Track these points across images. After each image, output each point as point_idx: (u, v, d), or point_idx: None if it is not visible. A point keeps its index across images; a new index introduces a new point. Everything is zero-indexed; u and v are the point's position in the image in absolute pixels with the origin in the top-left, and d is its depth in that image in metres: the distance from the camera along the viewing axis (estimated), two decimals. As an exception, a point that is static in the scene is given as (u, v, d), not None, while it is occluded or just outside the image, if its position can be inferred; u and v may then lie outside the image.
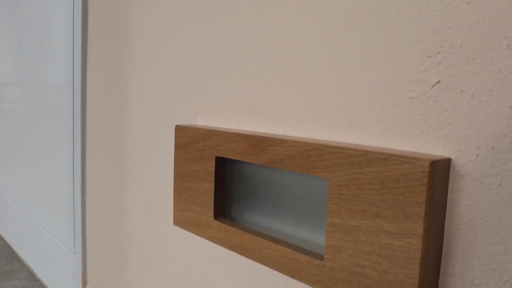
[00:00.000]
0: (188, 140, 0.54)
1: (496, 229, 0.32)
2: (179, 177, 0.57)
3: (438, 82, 0.35)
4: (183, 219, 0.56)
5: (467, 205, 0.33)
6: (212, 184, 0.51)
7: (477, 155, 0.32)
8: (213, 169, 0.51)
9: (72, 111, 0.91)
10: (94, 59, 0.85)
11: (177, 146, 0.56)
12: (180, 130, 0.56)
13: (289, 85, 0.46)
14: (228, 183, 0.53)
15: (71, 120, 0.92)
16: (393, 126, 0.38)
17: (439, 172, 0.33)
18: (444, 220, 0.34)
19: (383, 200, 0.34)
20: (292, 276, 0.43)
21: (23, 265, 1.25)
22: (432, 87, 0.35)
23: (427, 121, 0.35)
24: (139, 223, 0.73)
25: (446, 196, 0.34)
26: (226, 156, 0.49)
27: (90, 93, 0.87)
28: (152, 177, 0.69)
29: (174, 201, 0.58)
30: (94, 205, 0.88)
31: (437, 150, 0.35)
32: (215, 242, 0.52)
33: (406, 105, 0.37)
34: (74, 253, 0.94)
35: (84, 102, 0.87)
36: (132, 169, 0.74)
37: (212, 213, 0.52)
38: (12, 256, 1.31)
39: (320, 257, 0.40)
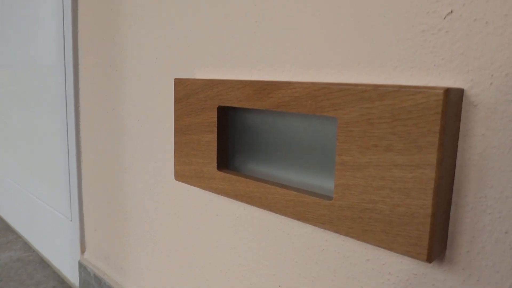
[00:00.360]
0: (188, 92, 0.53)
1: (510, 157, 0.32)
2: (179, 131, 0.55)
3: (451, 12, 0.34)
4: (185, 173, 0.56)
5: (480, 134, 0.33)
6: (215, 135, 0.50)
7: (491, 83, 0.32)
8: (215, 119, 0.50)
9: (64, 76, 0.88)
10: (84, 18, 0.82)
11: (177, 100, 0.55)
12: (179, 83, 0.54)
13: (292, 29, 0.45)
14: (230, 133, 0.52)
15: (63, 85, 0.89)
16: (403, 61, 0.37)
17: (453, 102, 0.32)
18: (457, 151, 0.34)
19: (394, 133, 0.34)
20: (299, 219, 0.42)
21: (18, 237, 1.24)
22: (444, 18, 0.34)
23: (438, 53, 0.35)
24: (138, 183, 0.73)
25: (459, 127, 0.34)
26: (228, 105, 0.48)
27: (82, 56, 0.84)
28: (150, 136, 0.68)
29: (175, 155, 0.57)
30: (90, 170, 0.87)
31: (449, 82, 0.34)
32: (219, 193, 0.51)
33: (417, 38, 0.36)
34: (71, 220, 0.93)
35: (76, 65, 0.85)
36: (129, 130, 0.73)
37: (215, 164, 0.51)
38: (6, 229, 1.30)
39: (328, 197, 0.40)
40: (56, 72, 0.92)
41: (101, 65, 0.78)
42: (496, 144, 0.32)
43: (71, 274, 0.96)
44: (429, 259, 0.33)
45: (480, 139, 0.33)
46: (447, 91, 0.31)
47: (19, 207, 1.24)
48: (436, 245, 0.34)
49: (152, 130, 0.67)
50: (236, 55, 0.52)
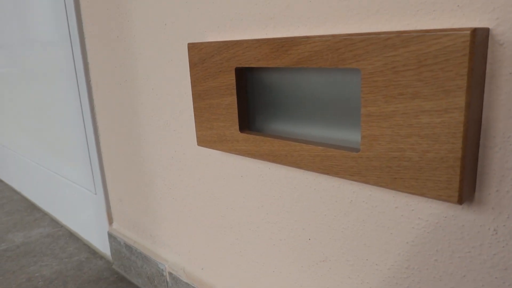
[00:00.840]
0: (203, 56, 0.53)
1: (539, 94, 0.31)
2: (197, 96, 0.56)
3: None
4: (207, 138, 0.56)
5: (508, 73, 0.33)
6: (234, 97, 0.50)
7: (518, 20, 0.31)
8: (234, 81, 0.50)
9: (72, 51, 0.88)
10: (86, -8, 0.81)
11: (192, 65, 0.55)
12: (193, 48, 0.54)
13: (306, -20, 0.44)
14: (250, 94, 0.52)
15: (72, 60, 0.89)
16: (424, 4, 0.36)
17: (479, 42, 0.32)
18: (483, 92, 0.34)
19: (420, 80, 0.34)
20: (327, 173, 0.43)
21: (45, 214, 1.28)
22: (467, -45, 0.33)
23: (462, -7, 0.34)
24: (159, 151, 0.74)
25: (485, 67, 0.33)
26: (246, 65, 0.48)
27: (87, 30, 0.83)
28: (167, 104, 0.68)
29: (195, 121, 0.57)
30: (108, 144, 0.88)
31: (473, 22, 0.34)
32: (243, 155, 0.52)
33: (439, -21, 0.35)
34: (95, 194, 0.96)
35: (82, 40, 0.84)
36: (144, 100, 0.73)
37: (237, 127, 0.51)
38: (31, 207, 1.34)
39: (355, 150, 0.41)
40: (62, 47, 0.92)
41: (107, 36, 0.77)
42: (525, 82, 0.32)
43: (102, 245, 1.00)
44: (460, 201, 0.34)
45: (508, 78, 0.33)
46: (474, 31, 0.31)
47: (41, 185, 1.28)
48: (466, 187, 0.35)
49: (168, 98, 0.68)
50: (248, 14, 0.51)
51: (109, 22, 0.76)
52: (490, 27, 0.33)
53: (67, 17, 0.86)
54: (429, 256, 0.41)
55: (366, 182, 0.40)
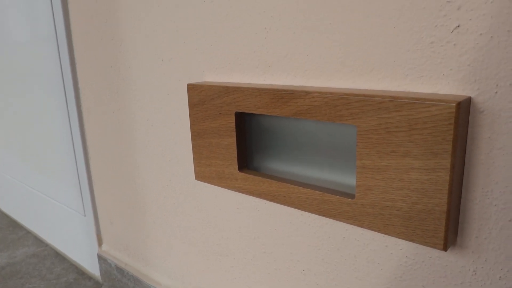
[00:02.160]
0: (203, 98, 0.56)
1: (513, 157, 0.36)
2: (196, 135, 0.58)
3: (458, 26, 0.37)
4: (205, 173, 0.59)
5: (487, 137, 0.37)
6: (234, 139, 0.53)
7: (496, 92, 0.36)
8: (234, 124, 0.53)
9: (62, 77, 0.89)
10: (77, 15, 0.82)
11: (192, 105, 0.57)
12: (193, 89, 0.57)
13: (304, 36, 0.47)
14: (249, 136, 0.55)
15: (62, 86, 0.90)
16: (414, 70, 0.40)
17: (463, 111, 0.36)
18: (465, 153, 0.38)
19: (411, 141, 0.38)
20: (323, 215, 0.47)
21: (28, 232, 1.27)
22: (452, 31, 0.37)
23: (447, 64, 0.38)
24: (153, 179, 0.76)
25: (467, 131, 0.38)
26: (246, 111, 0.51)
27: (79, 56, 0.84)
28: (162, 135, 0.70)
29: (194, 157, 0.60)
30: (99, 166, 0.89)
31: (457, 90, 0.38)
32: (242, 192, 0.55)
33: (426, 49, 0.39)
34: (85, 215, 0.97)
35: (74, 66, 0.85)
36: (138, 129, 0.75)
37: (236, 166, 0.54)
38: (14, 225, 1.32)
39: (351, 196, 0.45)
40: (53, 75, 0.92)
41: (100, 65, 0.79)
42: (501, 146, 0.36)
43: (91, 266, 1.00)
44: (445, 248, 0.39)
45: (487, 141, 0.37)
46: (459, 104, 0.35)
47: (24, 203, 1.26)
48: (450, 234, 0.39)
49: (164, 130, 0.70)
50: (246, 58, 0.54)
51: (101, 51, 0.77)
52: (472, 95, 0.37)
53: (57, 44, 0.87)
54: (416, 290, 0.45)
55: (361, 226, 0.44)
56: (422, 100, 0.37)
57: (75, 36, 0.83)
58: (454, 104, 0.35)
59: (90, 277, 1.01)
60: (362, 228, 0.48)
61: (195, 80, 0.62)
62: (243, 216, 0.61)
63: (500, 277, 0.39)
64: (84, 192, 0.94)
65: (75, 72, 0.86)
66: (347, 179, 0.47)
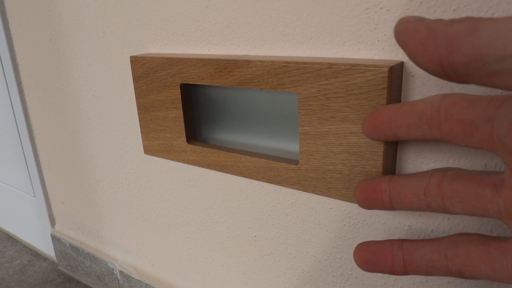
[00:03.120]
0: (146, 70, 0.54)
1: (441, 118, 0.38)
2: (142, 108, 0.57)
3: (390, -8, 0.38)
4: (154, 147, 0.59)
5: (418, 100, 0.39)
6: (181, 111, 0.53)
7: (425, 56, 0.37)
8: (179, 96, 0.52)
9: (-3, 51, 0.83)
10: (10, -11, 0.76)
11: (136, 78, 0.56)
12: (136, 61, 0.55)
13: (245, 5, 0.47)
14: (195, 107, 0.55)
15: (-2, 60, 0.84)
16: (350, 37, 0.41)
17: (395, 75, 0.38)
18: (399, 116, 0.40)
19: (349, 106, 0.39)
20: (270, 182, 0.48)
21: (-25, 217, 1.21)
22: (384, -2, 0.38)
23: (381, 29, 0.39)
24: (103, 155, 0.74)
25: (401, 94, 0.40)
26: (191, 82, 0.50)
27: (14, 30, 0.79)
28: (109, 110, 0.69)
29: (141, 131, 0.59)
30: (46, 146, 0.86)
31: (391, 55, 0.39)
32: (192, 164, 0.55)
33: (362, 16, 0.40)
34: (35, 196, 0.94)
35: (10, 40, 0.80)
36: (84, 105, 0.73)
37: (184, 138, 0.54)
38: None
39: (295, 162, 0.46)
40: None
41: (38, 38, 0.75)
42: (431, 107, 0.38)
43: (45, 247, 0.98)
44: (382, 206, 0.41)
45: (418, 104, 0.39)
46: (391, 68, 0.36)
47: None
48: (387, 193, 0.41)
49: (110, 105, 0.68)
50: (189, 29, 0.53)
51: (40, 24, 0.73)
52: (404, 60, 0.39)
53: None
54: (359, 248, 0.48)
55: (305, 190, 0.45)
56: (357, 66, 0.38)
57: (9, 9, 0.78)
58: (387, 69, 0.36)
59: (45, 258, 0.99)
60: (308, 193, 0.49)
61: (139, 52, 0.60)
62: (195, 187, 0.61)
63: (432, 230, 0.42)
64: (32, 173, 0.91)
65: (12, 46, 0.81)
66: (292, 146, 0.48)
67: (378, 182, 0.36)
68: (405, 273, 0.33)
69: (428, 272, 0.32)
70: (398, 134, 0.33)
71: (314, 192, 0.45)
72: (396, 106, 0.34)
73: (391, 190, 0.35)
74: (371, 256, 0.35)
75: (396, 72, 0.37)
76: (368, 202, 0.37)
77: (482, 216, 0.29)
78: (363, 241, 0.47)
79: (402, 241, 0.34)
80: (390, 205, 0.36)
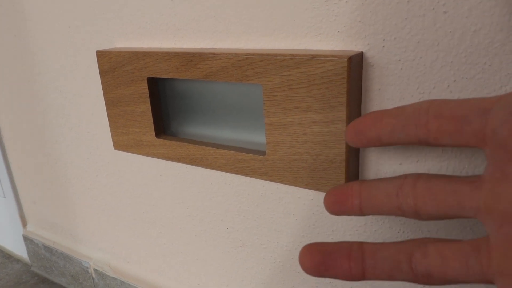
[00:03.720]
0: (113, 65, 0.54)
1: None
2: (111, 103, 0.57)
3: (348, -16, 0.39)
4: (123, 142, 0.58)
5: (377, 89, 0.40)
6: (148, 105, 0.53)
7: (383, 46, 0.39)
8: (147, 90, 0.52)
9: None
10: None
11: (102, 72, 0.56)
12: (102, 56, 0.55)
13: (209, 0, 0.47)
14: (163, 101, 0.55)
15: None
16: (312, 28, 0.42)
17: (355, 65, 0.38)
18: (361, 104, 0.41)
19: (311, 96, 0.40)
20: (239, 173, 0.49)
21: None
22: (343, -11, 0.39)
23: (341, 20, 0.40)
24: (73, 153, 0.73)
25: (361, 84, 0.41)
26: (157, 76, 0.50)
27: (-24, 25, 0.77)
28: (78, 107, 0.68)
29: (110, 126, 0.58)
30: (14, 145, 0.84)
31: (351, 45, 0.40)
32: (161, 158, 0.55)
33: (322, 7, 0.41)
34: (5, 197, 0.92)
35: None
36: (52, 102, 0.71)
37: (153, 132, 0.54)
38: None
39: (262, 153, 0.46)
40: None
41: (3, 36, 0.73)
42: (390, 96, 0.40)
43: (17, 248, 0.96)
44: (347, 193, 0.42)
45: (377, 93, 0.40)
46: (350, 58, 0.37)
47: None
48: (351, 181, 0.42)
49: (78, 101, 0.67)
50: (155, 23, 0.53)
51: (3, 19, 0.71)
52: (363, 50, 0.40)
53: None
54: (327, 235, 0.49)
55: (273, 180, 0.46)
56: (318, 56, 0.38)
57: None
58: (346, 59, 0.37)
59: (17, 260, 0.97)
60: (277, 184, 0.50)
61: (105, 47, 0.59)
62: (167, 182, 0.61)
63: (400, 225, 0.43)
64: (1, 172, 0.89)
65: (-25, 43, 0.79)
66: (259, 137, 0.49)
67: (350, 185, 0.35)
68: (362, 277, 0.31)
69: (390, 275, 0.30)
70: (381, 137, 0.32)
71: (281, 182, 0.46)
72: (384, 109, 0.33)
73: (362, 191, 0.34)
74: (324, 258, 0.31)
75: (355, 62, 0.38)
76: (338, 205, 0.35)
77: (456, 216, 0.28)
78: (331, 228, 0.48)
79: (361, 242, 0.32)
80: (359, 209, 0.34)
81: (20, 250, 0.96)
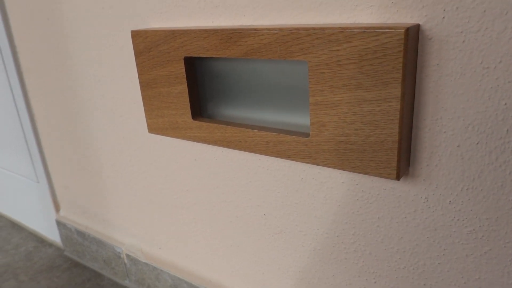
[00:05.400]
0: (148, 45, 0.52)
1: (460, 82, 0.36)
2: (146, 85, 0.55)
3: (405, -51, 0.36)
4: (158, 125, 0.57)
5: (435, 64, 0.37)
6: (185, 86, 0.51)
7: (443, 17, 0.35)
8: (183, 70, 0.50)
9: (-6, 33, 0.81)
10: (5, -32, 0.74)
11: (138, 53, 0.54)
12: (137, 36, 0.53)
13: (250, -29, 0.45)
14: (200, 82, 0.53)
15: (-4, 43, 0.82)
16: (362, 0, 0.39)
17: (411, 38, 0.36)
18: (415, 81, 0.38)
19: (362, 72, 0.37)
20: (280, 156, 0.47)
21: (-21, 205, 1.20)
22: (399, -44, 0.36)
23: (395, -9, 0.37)
24: (106, 137, 0.73)
25: (416, 59, 0.38)
26: (195, 55, 0.48)
27: (12, 12, 0.77)
28: (111, 90, 0.67)
29: (145, 109, 0.57)
30: (48, 131, 0.84)
31: (405, 18, 0.37)
32: (197, 141, 0.53)
33: (375, -23, 0.38)
34: (38, 182, 0.92)
35: (7, 22, 0.78)
36: (85, 86, 0.71)
37: (189, 114, 0.52)
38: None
39: (306, 134, 0.44)
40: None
41: (37, 20, 0.72)
42: (449, 72, 0.37)
43: (50, 233, 0.97)
44: (398, 178, 0.39)
45: (435, 68, 0.37)
46: (407, 30, 0.34)
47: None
48: (402, 164, 0.40)
49: (112, 84, 0.66)
50: (192, 1, 0.51)
51: (36, 3, 0.71)
52: (420, 23, 0.37)
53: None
54: (372, 223, 0.47)
55: (316, 163, 0.44)
56: (371, 29, 0.36)
57: (4, -12, 0.76)
58: (403, 31, 0.34)
59: (50, 244, 0.98)
60: (319, 167, 0.48)
61: (140, 27, 0.58)
62: (202, 167, 0.60)
63: (450, 201, 0.40)
64: (34, 158, 0.90)
65: (9, 28, 0.79)
66: (302, 118, 0.46)
67: None
68: None
69: None
70: None
71: (326, 165, 0.43)
72: None
73: None
74: None
75: (412, 35, 0.35)
76: None
77: None
78: (376, 216, 0.46)
79: None
80: None
81: (53, 235, 0.97)
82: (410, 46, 0.35)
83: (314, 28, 0.39)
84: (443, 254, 0.43)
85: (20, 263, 0.92)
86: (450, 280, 0.44)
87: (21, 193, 1.00)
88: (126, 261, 0.80)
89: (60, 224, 0.92)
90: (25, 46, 0.78)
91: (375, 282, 0.49)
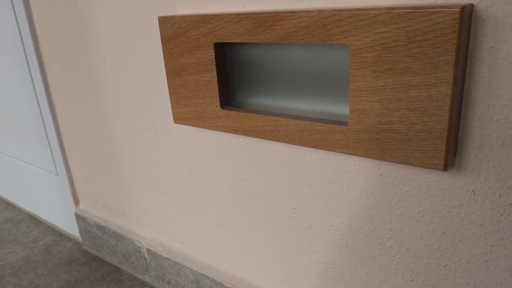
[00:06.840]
0: (176, 31, 0.51)
1: (517, 66, 0.34)
2: (172, 73, 0.54)
3: None
4: (185, 115, 0.55)
5: (489, 47, 0.35)
6: (214, 73, 0.49)
7: (500, -5, 0.33)
8: (213, 57, 0.49)
9: (17, 25, 0.80)
10: (28, -43, 0.73)
11: (165, 40, 0.52)
12: (165, 22, 0.51)
13: (286, -49, 0.43)
14: (229, 69, 0.51)
15: (18, 35, 0.82)
16: (410, -21, 0.37)
17: (466, 18, 0.33)
18: (466, 66, 0.36)
19: (410, 55, 0.35)
20: (314, 147, 0.44)
21: (-3, 198, 1.21)
22: None
23: (447, -32, 0.35)
24: (128, 129, 0.71)
25: (468, 42, 0.35)
26: (226, 41, 0.46)
27: (33, 0, 0.76)
28: (134, 80, 0.65)
29: (171, 98, 0.56)
30: (68, 122, 0.83)
31: (457, -3, 0.35)
32: (226, 131, 0.52)
33: (424, -46, 0.35)
34: (58, 175, 0.92)
35: (29, 10, 0.77)
36: (107, 76, 0.69)
37: (218, 103, 0.51)
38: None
39: (344, 123, 0.42)
40: (6, 20, 0.84)
41: (59, 8, 0.71)
42: (505, 55, 0.34)
43: (69, 226, 0.97)
44: (446, 168, 0.37)
45: (489, 52, 0.35)
46: (463, 9, 0.32)
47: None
48: (450, 155, 0.37)
49: (136, 74, 0.65)
50: (223, -15, 0.49)
51: (59, -9, 0.70)
52: (474, 2, 0.34)
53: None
54: (411, 217, 0.44)
55: (355, 154, 0.42)
56: (422, 8, 0.33)
57: (26, -23, 0.75)
58: (458, 9, 0.32)
59: (69, 238, 0.97)
60: (355, 158, 0.46)
61: (166, 14, 0.56)
62: (227, 158, 0.58)
63: (500, 194, 0.38)
64: (54, 150, 0.89)
65: (31, 17, 0.78)
66: (340, 107, 0.44)
67: None
68: None
69: None
70: None
71: (365, 155, 0.41)
72: None
73: None
74: None
75: (466, 14, 0.33)
76: None
77: None
78: (416, 210, 0.43)
79: None
80: None
81: (72, 228, 0.96)
82: (464, 27, 0.33)
83: (357, 9, 0.36)
84: (490, 251, 0.40)
85: (39, 256, 0.91)
86: (496, 278, 0.41)
87: (41, 186, 1.00)
88: (146, 255, 0.79)
89: (79, 218, 0.91)
90: (47, 36, 0.77)
91: (412, 280, 0.47)
